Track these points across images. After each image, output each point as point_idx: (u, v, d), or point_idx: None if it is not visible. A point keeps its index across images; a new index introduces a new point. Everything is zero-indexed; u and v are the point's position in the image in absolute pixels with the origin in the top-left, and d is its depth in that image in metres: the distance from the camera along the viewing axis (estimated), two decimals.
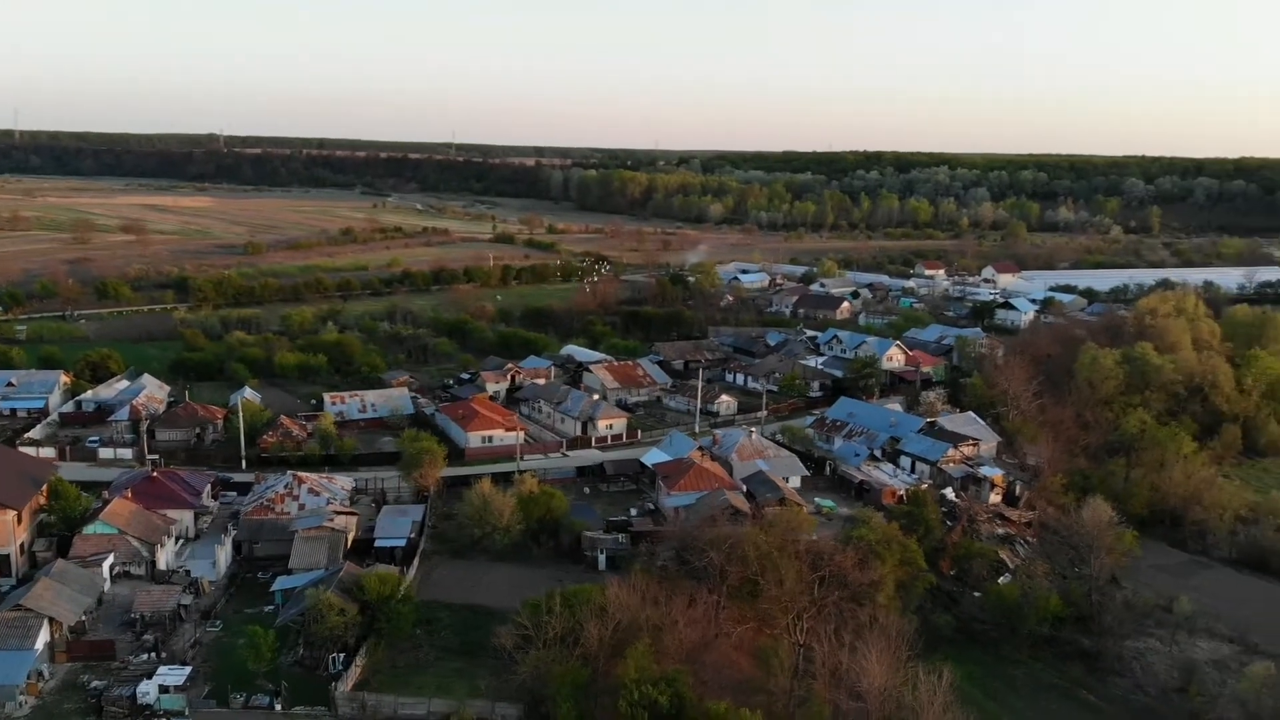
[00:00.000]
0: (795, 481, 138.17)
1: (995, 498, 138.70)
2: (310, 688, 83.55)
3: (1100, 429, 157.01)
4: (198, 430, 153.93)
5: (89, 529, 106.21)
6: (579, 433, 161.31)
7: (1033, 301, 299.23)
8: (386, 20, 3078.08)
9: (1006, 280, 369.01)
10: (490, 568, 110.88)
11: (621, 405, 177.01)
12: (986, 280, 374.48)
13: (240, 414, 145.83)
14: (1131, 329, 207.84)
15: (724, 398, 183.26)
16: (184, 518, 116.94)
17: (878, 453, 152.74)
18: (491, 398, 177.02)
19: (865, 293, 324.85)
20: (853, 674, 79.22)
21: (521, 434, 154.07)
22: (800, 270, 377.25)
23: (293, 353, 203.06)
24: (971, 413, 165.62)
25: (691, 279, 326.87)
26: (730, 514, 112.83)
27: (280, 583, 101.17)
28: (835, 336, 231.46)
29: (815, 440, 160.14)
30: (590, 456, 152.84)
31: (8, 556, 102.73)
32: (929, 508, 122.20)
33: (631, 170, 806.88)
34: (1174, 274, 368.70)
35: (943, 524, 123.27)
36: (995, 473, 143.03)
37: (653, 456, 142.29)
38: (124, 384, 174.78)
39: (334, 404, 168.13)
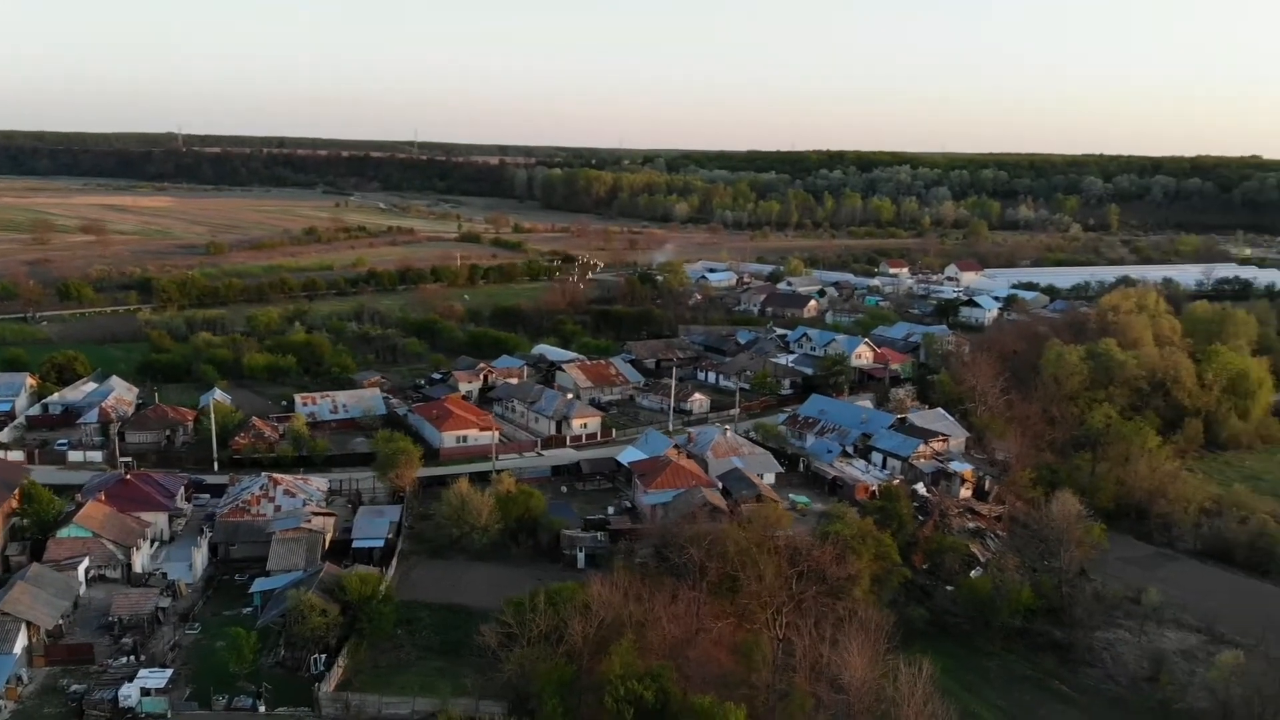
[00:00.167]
0: (770, 478, 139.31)
1: (965, 492, 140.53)
2: (292, 689, 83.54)
3: (1066, 424, 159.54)
4: (168, 432, 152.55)
5: (63, 532, 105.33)
6: (553, 432, 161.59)
7: (996, 299, 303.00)
8: (345, 18, 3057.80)
9: (969, 278, 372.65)
10: (469, 567, 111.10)
11: (595, 404, 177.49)
12: (950, 278, 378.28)
13: (212, 416, 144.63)
14: (1094, 326, 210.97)
15: (697, 396, 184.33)
16: (158, 520, 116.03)
17: (850, 449, 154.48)
18: (465, 397, 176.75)
19: (831, 291, 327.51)
20: (834, 667, 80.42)
21: (496, 434, 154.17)
22: (768, 269, 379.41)
23: (261, 354, 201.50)
24: (940, 409, 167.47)
25: (660, 278, 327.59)
26: (708, 511, 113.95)
27: (259, 584, 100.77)
28: (805, 334, 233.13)
29: (788, 437, 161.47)
30: (565, 455, 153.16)
31: None
32: (902, 502, 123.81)
33: (596, 169, 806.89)
34: (1133, 271, 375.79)
35: (915, 519, 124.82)
36: (965, 468, 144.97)
37: (629, 455, 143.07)
38: (91, 386, 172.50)
39: (305, 405, 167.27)
